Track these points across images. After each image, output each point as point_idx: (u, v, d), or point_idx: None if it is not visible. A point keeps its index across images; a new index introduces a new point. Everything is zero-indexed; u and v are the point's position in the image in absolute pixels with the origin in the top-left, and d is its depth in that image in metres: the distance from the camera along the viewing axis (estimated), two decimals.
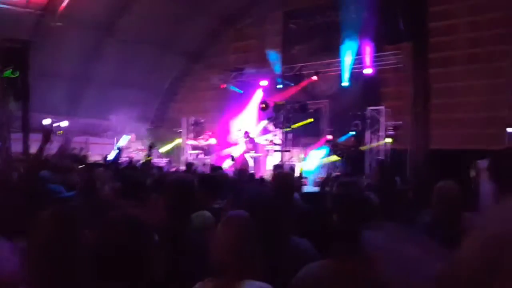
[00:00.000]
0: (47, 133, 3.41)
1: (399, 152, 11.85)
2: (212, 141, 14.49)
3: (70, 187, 4.25)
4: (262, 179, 5.36)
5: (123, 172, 4.65)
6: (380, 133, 12.06)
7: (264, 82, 14.83)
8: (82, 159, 10.80)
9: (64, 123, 14.44)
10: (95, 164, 6.83)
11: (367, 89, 12.73)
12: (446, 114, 11.43)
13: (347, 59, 12.73)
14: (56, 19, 12.54)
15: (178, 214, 2.64)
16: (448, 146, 11.20)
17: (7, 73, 9.68)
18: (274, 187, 3.65)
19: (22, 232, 2.26)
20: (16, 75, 9.46)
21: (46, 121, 13.84)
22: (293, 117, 10.99)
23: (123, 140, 14.87)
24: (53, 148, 13.37)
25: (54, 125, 14.13)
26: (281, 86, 14.32)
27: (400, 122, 11.81)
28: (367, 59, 12.46)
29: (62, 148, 12.74)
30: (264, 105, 11.68)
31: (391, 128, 11.88)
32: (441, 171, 9.79)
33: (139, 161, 13.36)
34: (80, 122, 15.27)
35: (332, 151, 11.87)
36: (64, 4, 12.36)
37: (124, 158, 13.83)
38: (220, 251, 1.85)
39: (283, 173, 4.04)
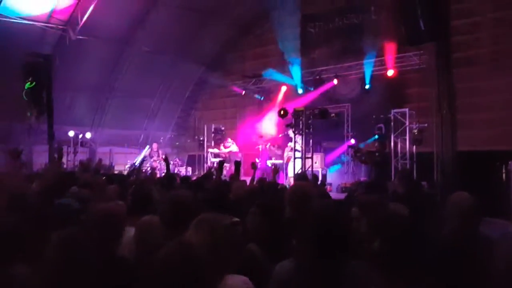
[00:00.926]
0: (60, 150, 3.40)
1: (426, 155, 11.51)
2: (234, 148, 14.44)
3: (85, 201, 4.23)
4: (283, 190, 5.21)
5: (137, 187, 4.61)
6: (405, 136, 11.75)
7: (284, 88, 14.74)
8: (103, 170, 10.94)
9: (88, 134, 14.70)
10: (115, 177, 6.83)
11: (390, 92, 12.44)
12: (472, 115, 11.04)
13: (368, 62, 12.51)
14: (77, 33, 12.78)
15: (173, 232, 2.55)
16: (476, 148, 10.82)
17: (28, 84, 9.93)
18: (289, 199, 3.51)
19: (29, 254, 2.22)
20: (32, 85, 9.66)
21: (71, 133, 14.12)
22: (313, 123, 10.82)
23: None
24: (77, 159, 13.65)
25: (79, 136, 14.42)
26: (301, 91, 14.19)
27: (425, 125, 11.46)
28: (389, 61, 12.21)
29: (87, 160, 13.01)
30: (283, 112, 11.55)
31: (416, 130, 11.55)
32: (470, 173, 9.48)
33: (161, 170, 13.48)
34: (104, 133, 15.53)
35: (356, 157, 11.62)
36: (85, 18, 12.57)
37: (146, 168, 13.97)
38: None
39: (299, 185, 3.90)
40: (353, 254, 2.17)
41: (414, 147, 11.60)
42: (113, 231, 2.45)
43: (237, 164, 6.70)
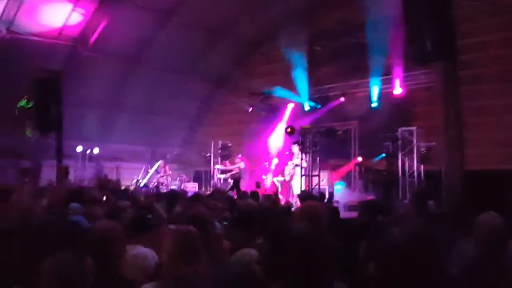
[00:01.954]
0: (65, 170, 3.40)
1: (434, 174, 11.42)
2: (241, 165, 14.38)
3: (94, 219, 4.21)
4: (289, 209, 5.18)
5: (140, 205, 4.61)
6: (412, 155, 11.68)
7: (291, 105, 14.77)
8: (113, 187, 10.95)
9: (96, 150, 14.77)
10: (121, 194, 6.83)
11: (397, 110, 12.42)
12: (481, 133, 10.96)
13: (376, 80, 12.53)
14: (87, 50, 12.94)
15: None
16: (485, 167, 10.70)
17: (23, 103, 9.99)
18: (299, 221, 3.47)
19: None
20: (30, 106, 9.72)
21: (79, 148, 14.19)
22: (320, 141, 10.79)
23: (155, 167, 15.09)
24: (86, 174, 13.72)
25: (87, 151, 14.50)
26: (308, 108, 14.21)
27: (433, 143, 11.40)
28: (397, 79, 12.22)
29: (97, 177, 13.08)
30: (290, 130, 11.55)
31: (424, 149, 11.48)
32: (479, 192, 9.36)
33: (168, 185, 13.47)
34: (111, 148, 15.58)
35: (364, 175, 11.55)
36: (95, 35, 12.75)
37: (153, 184, 13.99)
38: (169, 258, 2.25)
39: (310, 206, 3.85)
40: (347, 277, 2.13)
41: (422, 165, 11.52)
42: (110, 250, 2.42)
43: (236, 181, 6.71)
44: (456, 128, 10.80)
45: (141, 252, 2.90)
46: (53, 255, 1.79)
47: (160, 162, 14.63)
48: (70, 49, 13.12)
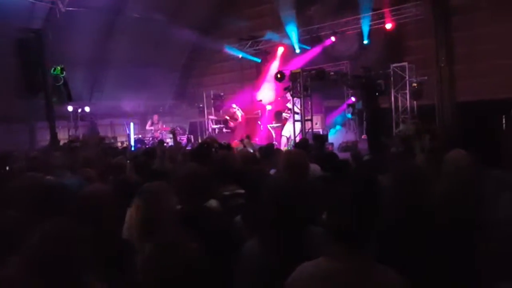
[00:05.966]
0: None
1: (427, 108, 11.43)
2: (238, 113, 14.31)
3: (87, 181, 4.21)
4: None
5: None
6: (405, 91, 11.63)
7: (281, 49, 14.47)
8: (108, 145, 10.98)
9: (87, 108, 14.62)
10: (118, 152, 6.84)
11: (388, 46, 12.24)
12: (472, 64, 10.85)
13: (365, 16, 12.20)
14: (67, 5, 12.46)
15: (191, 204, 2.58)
16: (477, 97, 10.67)
17: (57, 70, 9.84)
18: (285, 169, 3.50)
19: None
20: (63, 75, 9.59)
21: (69, 108, 14.03)
22: (312, 84, 10.65)
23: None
24: (78, 133, 13.64)
25: (78, 111, 14.35)
26: (299, 50, 13.94)
27: (425, 77, 11.33)
28: (387, 14, 11.92)
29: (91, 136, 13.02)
30: (279, 75, 11.34)
31: (416, 84, 11.42)
32: (471, 123, 9.39)
33: (163, 140, 13.47)
34: (103, 105, 15.40)
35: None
36: None
37: (148, 139, 13.99)
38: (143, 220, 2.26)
39: (293, 153, 3.87)
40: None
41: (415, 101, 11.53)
42: (99, 214, 2.29)
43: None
44: (446, 61, 10.75)
45: None
46: (51, 221, 1.75)
47: (154, 118, 14.54)
48: (50, 6, 12.62)
